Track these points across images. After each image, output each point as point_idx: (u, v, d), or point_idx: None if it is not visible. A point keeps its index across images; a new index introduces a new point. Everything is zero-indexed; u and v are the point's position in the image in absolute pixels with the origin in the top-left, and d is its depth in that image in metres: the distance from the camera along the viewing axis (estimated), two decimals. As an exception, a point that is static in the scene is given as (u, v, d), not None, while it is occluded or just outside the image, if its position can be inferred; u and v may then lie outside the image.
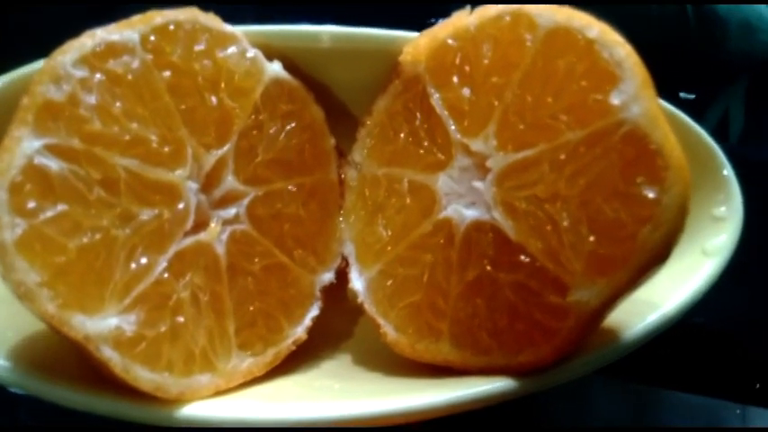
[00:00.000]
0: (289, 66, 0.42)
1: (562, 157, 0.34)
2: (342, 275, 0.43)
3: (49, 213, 0.32)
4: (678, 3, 0.79)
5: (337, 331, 0.45)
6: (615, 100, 0.32)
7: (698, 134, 0.43)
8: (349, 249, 0.43)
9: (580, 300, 0.34)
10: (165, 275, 0.35)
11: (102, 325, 0.33)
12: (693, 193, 0.42)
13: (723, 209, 0.43)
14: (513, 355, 0.36)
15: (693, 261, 0.42)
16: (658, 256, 0.33)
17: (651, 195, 0.32)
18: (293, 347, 0.41)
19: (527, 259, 0.36)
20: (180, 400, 0.35)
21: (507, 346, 0.36)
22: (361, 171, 0.43)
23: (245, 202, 0.40)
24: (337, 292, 0.43)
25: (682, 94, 0.63)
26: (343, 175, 0.44)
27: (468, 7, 0.39)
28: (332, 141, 0.44)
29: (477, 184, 0.38)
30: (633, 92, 0.32)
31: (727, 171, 0.43)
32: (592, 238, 0.33)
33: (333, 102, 0.45)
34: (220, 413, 0.35)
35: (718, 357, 0.55)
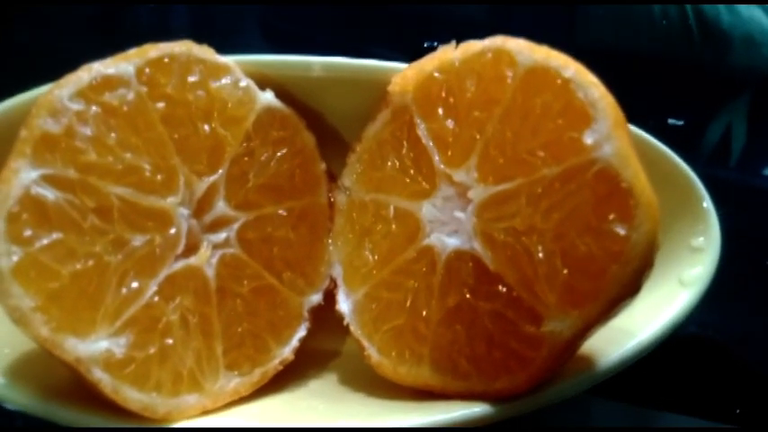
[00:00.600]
0: (282, 94, 0.43)
1: (538, 191, 0.35)
2: (330, 296, 0.44)
3: (45, 241, 0.33)
4: (678, 3, 0.79)
5: (324, 351, 0.46)
6: (588, 139, 0.34)
7: (678, 166, 0.44)
8: (337, 271, 0.44)
9: (553, 330, 0.35)
10: (156, 299, 0.37)
11: (93, 347, 0.34)
12: (672, 224, 0.43)
13: (701, 239, 0.43)
14: (490, 382, 0.37)
15: (670, 291, 0.43)
16: (628, 290, 0.34)
17: (621, 232, 0.33)
18: (280, 367, 0.42)
19: (504, 289, 0.37)
20: (167, 420, 0.36)
21: (485, 373, 0.38)
22: (350, 196, 0.44)
23: (236, 226, 0.41)
24: (325, 312, 0.44)
25: (670, 121, 0.64)
26: (333, 199, 0.45)
27: (453, 42, 0.40)
28: (322, 166, 0.45)
29: (459, 215, 0.39)
30: (606, 132, 0.33)
31: (707, 203, 0.43)
32: (565, 271, 0.35)
33: (326, 128, 0.46)
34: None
35: (710, 375, 0.55)
